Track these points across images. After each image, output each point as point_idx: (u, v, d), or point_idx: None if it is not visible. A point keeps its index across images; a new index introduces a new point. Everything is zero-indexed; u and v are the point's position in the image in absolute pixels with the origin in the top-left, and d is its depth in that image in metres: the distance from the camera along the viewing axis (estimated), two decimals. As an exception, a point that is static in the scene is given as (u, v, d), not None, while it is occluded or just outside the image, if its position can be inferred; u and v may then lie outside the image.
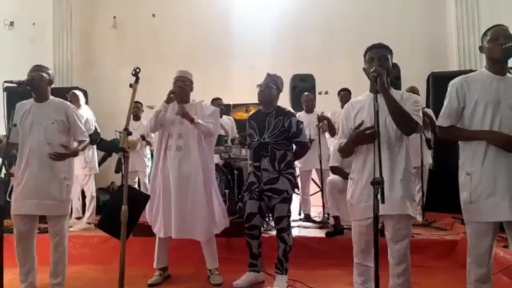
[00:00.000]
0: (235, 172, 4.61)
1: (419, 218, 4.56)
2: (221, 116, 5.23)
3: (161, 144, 3.41)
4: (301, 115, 5.23)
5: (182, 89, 3.35)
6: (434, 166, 4.96)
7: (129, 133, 2.21)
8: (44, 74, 3.04)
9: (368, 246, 2.35)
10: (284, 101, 5.81)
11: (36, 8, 7.06)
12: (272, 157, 3.18)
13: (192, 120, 3.24)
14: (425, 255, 3.71)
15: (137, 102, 5.60)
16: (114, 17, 7.17)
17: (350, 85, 5.07)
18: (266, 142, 3.19)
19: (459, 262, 3.39)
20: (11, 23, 7.16)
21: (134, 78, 2.41)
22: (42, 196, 2.93)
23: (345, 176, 3.88)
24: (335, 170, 4.21)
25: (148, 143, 5.50)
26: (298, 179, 5.30)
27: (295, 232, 4.37)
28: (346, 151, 2.47)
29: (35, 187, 2.93)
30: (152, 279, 3.40)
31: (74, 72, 7.05)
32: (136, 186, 5.64)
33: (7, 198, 3.07)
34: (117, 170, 4.92)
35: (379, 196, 1.91)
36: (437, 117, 4.56)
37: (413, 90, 4.75)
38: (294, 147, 3.35)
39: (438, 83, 5.64)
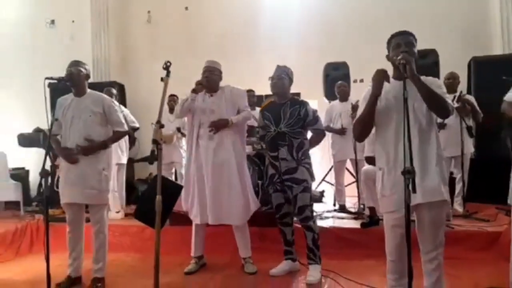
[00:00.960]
0: (268, 163, 4.61)
1: (460, 209, 4.41)
2: (254, 108, 5.25)
3: (193, 133, 3.48)
4: (334, 104, 5.17)
5: (209, 79, 3.40)
6: (476, 155, 4.75)
7: (162, 126, 2.25)
8: (82, 69, 3.16)
9: (403, 240, 2.27)
10: (317, 90, 5.81)
11: (75, 6, 7.31)
12: (290, 146, 3.22)
13: (226, 125, 3.34)
14: (465, 246, 3.59)
15: (173, 95, 5.71)
16: (149, 12, 7.31)
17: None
18: (283, 131, 3.23)
19: (503, 255, 3.24)
20: (52, 22, 7.47)
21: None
22: (83, 186, 3.07)
23: (380, 166, 3.80)
24: (370, 160, 4.12)
25: (184, 135, 5.60)
26: (332, 170, 5.31)
27: (329, 222, 4.34)
28: (366, 116, 2.29)
29: (77, 178, 3.07)
30: (189, 267, 3.50)
31: (112, 67, 7.26)
32: (173, 177, 5.79)
33: (55, 188, 3.26)
34: (151, 161, 5.03)
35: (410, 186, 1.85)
36: (479, 104, 4.39)
37: (453, 76, 4.56)
38: (310, 135, 3.39)
39: (480, 68, 5.37)
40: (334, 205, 5.15)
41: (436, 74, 4.86)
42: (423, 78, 2.28)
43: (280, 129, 3.24)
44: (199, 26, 7.15)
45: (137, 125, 5.53)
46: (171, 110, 5.79)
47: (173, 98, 5.76)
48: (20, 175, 5.88)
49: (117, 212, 4.93)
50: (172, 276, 3.35)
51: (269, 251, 3.61)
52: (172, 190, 2.30)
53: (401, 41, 2.29)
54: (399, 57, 2.15)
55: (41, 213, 5.03)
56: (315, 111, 3.33)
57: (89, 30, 7.19)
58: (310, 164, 3.30)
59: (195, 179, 3.43)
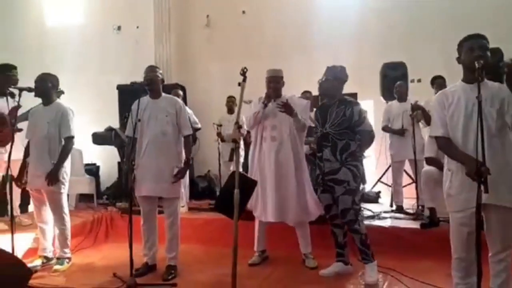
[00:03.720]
0: (325, 162, 4.69)
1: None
2: (311, 110, 5.36)
3: (257, 136, 3.69)
4: (393, 104, 5.18)
5: (275, 88, 3.59)
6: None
7: (240, 127, 2.44)
8: (158, 74, 3.46)
9: (469, 239, 2.31)
10: (373, 89, 5.79)
11: (140, 13, 7.76)
12: (333, 147, 3.20)
13: (291, 113, 3.45)
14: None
15: (231, 96, 5.97)
16: (207, 16, 7.62)
17: (443, 72, 4.87)
18: (327, 132, 3.24)
19: None
20: (119, 28, 7.98)
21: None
22: (158, 180, 3.37)
23: (441, 167, 3.77)
24: (430, 161, 4.10)
25: (242, 134, 5.82)
26: (390, 170, 5.29)
27: (387, 222, 4.37)
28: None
29: (153, 172, 3.37)
30: (252, 259, 3.72)
31: (173, 69, 7.64)
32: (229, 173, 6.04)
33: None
34: (231, 159, 5.58)
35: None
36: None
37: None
38: None
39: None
40: (391, 205, 5.14)
41: (500, 75, 4.70)
42: (497, 84, 2.34)
43: (325, 129, 3.26)
44: (255, 28, 7.34)
45: (199, 125, 5.83)
46: (229, 110, 6.05)
47: (231, 100, 6.02)
48: (92, 170, 6.40)
49: (182, 206, 5.24)
50: (237, 267, 3.56)
51: (329, 248, 3.70)
52: (248, 184, 2.50)
53: (474, 45, 2.31)
54: (476, 62, 2.18)
55: (113, 205, 5.48)
56: (362, 112, 3.26)
57: (152, 35, 7.58)
58: (357, 166, 3.22)
59: (258, 180, 3.61)
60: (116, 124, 6.26)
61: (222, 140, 5.78)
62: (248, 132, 4.30)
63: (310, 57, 6.82)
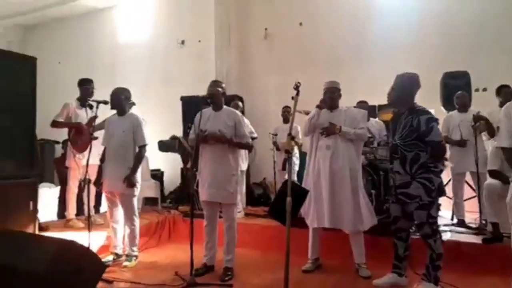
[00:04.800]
0: (381, 173, 4.67)
1: None
2: (368, 119, 5.35)
3: (313, 145, 3.82)
4: (453, 114, 5.01)
5: (331, 99, 3.73)
6: None
7: (293, 138, 2.57)
8: (220, 89, 3.70)
9: None
10: (433, 99, 5.64)
11: (202, 28, 8.18)
12: (402, 159, 3.13)
13: (334, 132, 3.60)
14: None
15: (286, 106, 6.12)
16: (266, 29, 7.87)
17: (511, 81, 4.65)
18: (396, 144, 3.19)
19: None
20: (183, 42, 8.47)
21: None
22: (217, 187, 3.60)
23: (505, 180, 3.62)
24: (494, 174, 3.94)
25: (297, 144, 5.94)
26: (450, 182, 5.10)
27: (447, 236, 4.23)
28: None
29: (212, 180, 3.60)
30: (306, 266, 3.81)
31: (232, 81, 7.96)
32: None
33: (195, 187, 3.85)
34: (283, 168, 5.79)
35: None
36: None
37: None
38: None
39: None
40: (452, 219, 4.96)
41: None
42: None
43: (394, 141, 3.22)
44: (313, 39, 7.45)
45: (255, 135, 6.04)
46: (285, 120, 6.19)
47: (286, 110, 6.16)
48: (157, 175, 6.84)
49: (239, 212, 5.46)
50: (291, 273, 3.66)
51: (382, 258, 3.68)
52: (300, 193, 2.62)
53: None
54: None
55: (175, 209, 5.83)
56: (430, 121, 3.05)
57: (213, 48, 7.95)
58: (429, 179, 3.05)
59: (312, 186, 3.71)
60: (179, 133, 6.66)
61: (278, 149, 5.94)
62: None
63: (367, 67, 6.80)
